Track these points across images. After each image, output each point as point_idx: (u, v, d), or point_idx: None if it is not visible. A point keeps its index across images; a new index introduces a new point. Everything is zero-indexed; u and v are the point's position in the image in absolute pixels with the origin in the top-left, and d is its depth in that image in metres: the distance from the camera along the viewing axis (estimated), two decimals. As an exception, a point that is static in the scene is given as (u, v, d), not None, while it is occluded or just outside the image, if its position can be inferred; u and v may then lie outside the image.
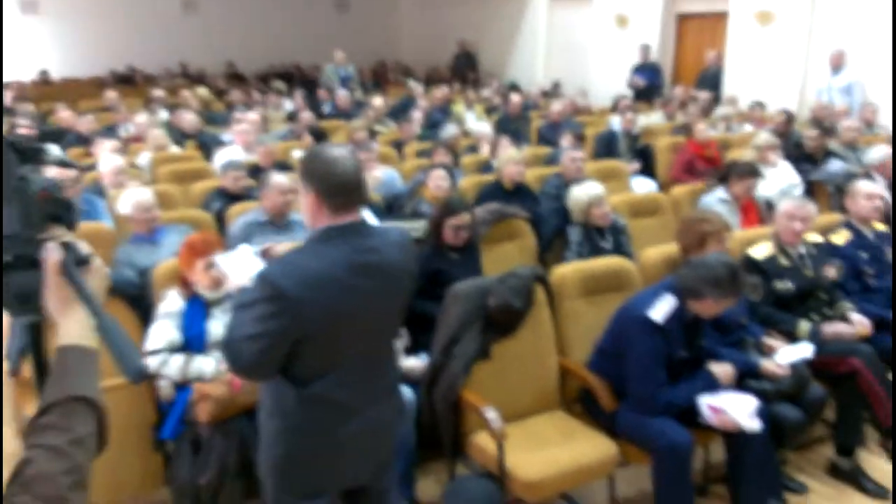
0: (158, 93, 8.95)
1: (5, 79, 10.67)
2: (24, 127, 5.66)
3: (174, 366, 2.81)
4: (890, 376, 3.22)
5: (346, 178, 1.79)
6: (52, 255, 1.03)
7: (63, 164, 1.16)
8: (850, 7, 8.11)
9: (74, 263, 1.05)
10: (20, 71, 11.43)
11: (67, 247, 1.05)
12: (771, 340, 3.14)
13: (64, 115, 6.95)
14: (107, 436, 1.01)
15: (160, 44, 13.23)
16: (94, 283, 1.09)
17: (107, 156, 4.43)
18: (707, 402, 2.70)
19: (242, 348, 1.80)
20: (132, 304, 3.11)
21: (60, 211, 1.05)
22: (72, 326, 1.03)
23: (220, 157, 5.35)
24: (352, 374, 1.89)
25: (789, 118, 6.80)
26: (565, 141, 5.80)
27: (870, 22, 7.90)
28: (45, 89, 11.12)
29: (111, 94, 8.47)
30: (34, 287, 1.03)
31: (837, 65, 8.00)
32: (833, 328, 3.25)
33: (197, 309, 2.92)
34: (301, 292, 1.74)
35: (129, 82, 11.89)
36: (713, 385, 2.76)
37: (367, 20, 15.31)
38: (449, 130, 6.43)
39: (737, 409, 2.66)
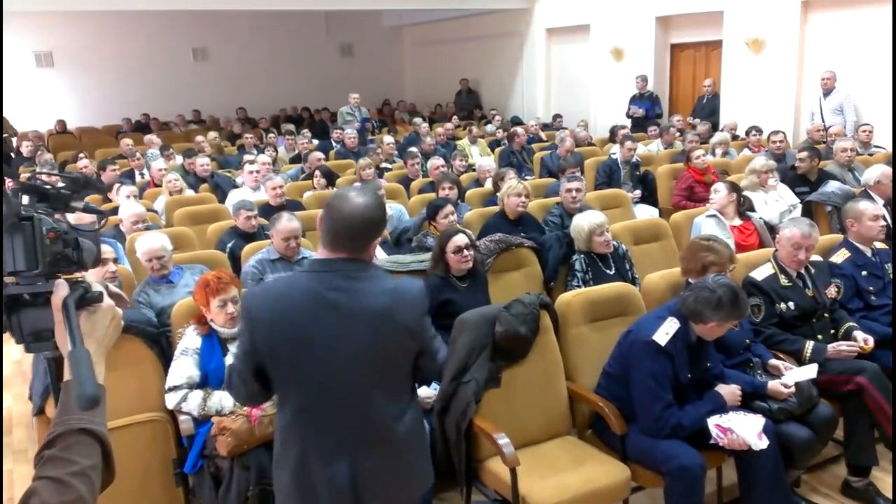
0: (152, 138, 9.22)
1: (24, 129, 10.97)
2: (45, 174, 5.87)
3: (194, 401, 2.90)
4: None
5: (341, 222, 1.86)
6: (57, 291, 1.07)
7: (88, 210, 1.22)
8: (841, 29, 8.27)
9: (80, 300, 1.08)
10: (38, 121, 11.75)
11: (74, 284, 1.09)
12: (776, 361, 3.17)
13: (83, 163, 7.18)
14: (113, 467, 1.04)
15: (173, 91, 13.62)
16: (103, 321, 1.11)
17: (125, 202, 4.59)
18: (715, 423, 2.72)
19: (231, 372, 1.99)
20: (151, 342, 3.21)
21: (70, 251, 1.08)
22: None
23: (233, 199, 5.51)
24: (333, 416, 1.89)
25: (784, 141, 6.92)
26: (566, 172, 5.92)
27: (861, 42, 8.05)
28: (63, 138, 11.41)
29: (127, 142, 8.72)
30: (46, 323, 1.07)
31: (829, 87, 8.13)
32: (837, 347, 3.28)
33: (214, 345, 3.01)
34: (260, 310, 1.88)
35: (144, 129, 12.19)
36: (721, 406, 2.80)
37: (371, 63, 15.68)
38: (431, 162, 6.71)
39: (745, 428, 2.67)
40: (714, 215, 4.57)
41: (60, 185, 1.18)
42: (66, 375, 1.06)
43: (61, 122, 12.08)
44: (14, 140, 9.44)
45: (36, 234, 1.04)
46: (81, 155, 7.71)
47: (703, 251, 3.26)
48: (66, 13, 11.56)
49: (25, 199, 1.12)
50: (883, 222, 3.76)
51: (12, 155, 9.35)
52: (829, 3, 8.28)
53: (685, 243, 3.80)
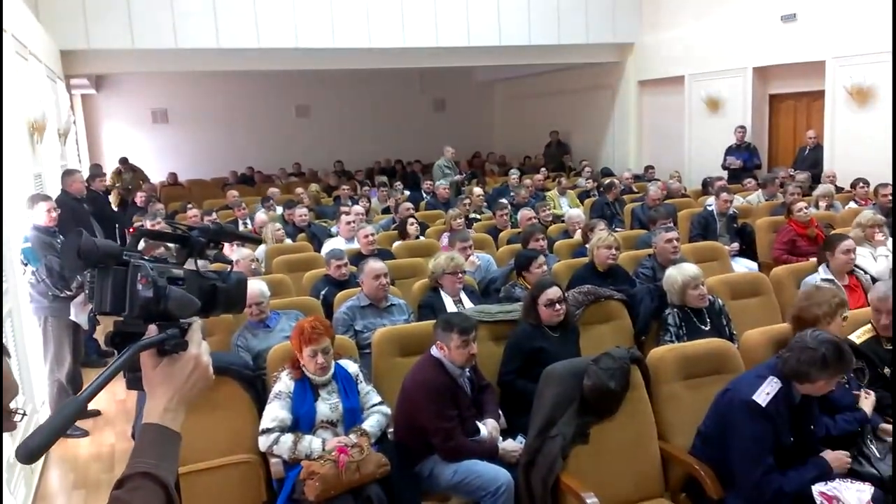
0: (274, 190, 9.70)
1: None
2: (155, 223, 6.31)
3: (284, 445, 2.98)
4: None
5: None
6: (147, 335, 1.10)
7: (218, 259, 1.26)
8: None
9: (160, 348, 1.10)
10: (152, 174, 12.65)
11: (163, 330, 1.10)
12: (887, 426, 2.97)
13: (192, 213, 7.67)
14: None
15: (276, 146, 14.41)
16: (182, 370, 1.12)
17: (235, 248, 4.89)
18: (820, 491, 2.57)
19: None
20: (247, 385, 3.33)
21: (153, 301, 1.08)
22: (154, 405, 1.10)
23: (328, 248, 5.70)
24: None
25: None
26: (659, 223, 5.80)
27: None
28: (174, 190, 12.20)
29: (233, 193, 9.23)
30: (136, 365, 1.11)
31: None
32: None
33: (306, 390, 3.10)
34: None
35: (248, 182, 12.87)
36: (826, 472, 2.64)
37: (462, 116, 16.06)
38: (521, 213, 6.77)
39: (852, 497, 2.52)
40: (828, 279, 4.29)
41: (194, 232, 1.22)
42: (144, 417, 1.10)
43: (173, 175, 12.94)
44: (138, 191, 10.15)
45: (129, 279, 1.07)
46: (189, 205, 8.22)
47: (813, 306, 3.14)
48: (180, 73, 12.50)
49: (141, 245, 1.18)
50: None
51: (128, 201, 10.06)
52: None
53: (787, 299, 3.63)
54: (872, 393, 3.02)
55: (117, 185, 11.55)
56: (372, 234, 5.61)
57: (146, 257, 1.12)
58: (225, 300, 1.21)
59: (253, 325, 3.92)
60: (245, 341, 3.85)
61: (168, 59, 9.84)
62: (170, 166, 13.32)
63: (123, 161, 12.14)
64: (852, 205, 7.21)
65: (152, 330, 1.10)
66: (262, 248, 5.91)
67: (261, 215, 7.58)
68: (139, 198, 9.18)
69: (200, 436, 3.05)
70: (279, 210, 8.22)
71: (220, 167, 13.54)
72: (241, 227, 7.62)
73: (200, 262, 1.21)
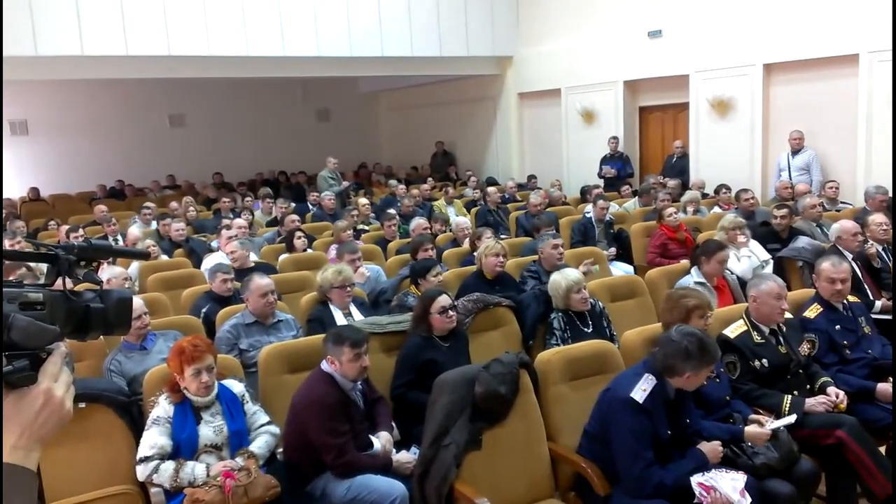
0: (147, 205, 9.19)
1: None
2: (15, 242, 5.81)
3: (165, 473, 2.82)
4: (880, 448, 3.25)
5: None
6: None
7: (87, 278, 1.17)
8: (803, 91, 8.60)
9: (8, 380, 1.01)
10: (11, 190, 11.68)
11: (9, 361, 1.01)
12: (757, 416, 3.15)
13: (62, 229, 7.14)
14: None
15: (149, 158, 13.64)
16: (31, 406, 1.03)
17: (106, 266, 4.57)
18: (698, 481, 2.70)
19: None
20: (122, 412, 3.12)
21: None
22: (4, 442, 1.02)
23: (208, 263, 5.47)
24: None
25: (754, 199, 7.10)
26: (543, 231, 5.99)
27: (823, 103, 8.37)
28: (36, 206, 11.32)
29: (101, 208, 8.67)
30: None
31: (797, 146, 8.40)
32: (812, 402, 3.28)
33: (187, 414, 2.94)
34: None
35: (118, 196, 12.15)
36: (703, 463, 2.78)
37: (347, 126, 15.92)
38: (416, 221, 6.77)
39: (727, 485, 2.67)
40: (700, 282, 4.56)
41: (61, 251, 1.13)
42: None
43: (34, 190, 12.02)
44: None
45: None
46: (53, 222, 7.65)
47: (682, 298, 3.31)
48: (41, 81, 11.63)
49: None
50: (840, 286, 3.76)
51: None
52: (791, 67, 8.63)
53: (661, 299, 3.83)
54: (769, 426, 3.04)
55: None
56: (234, 251, 5.37)
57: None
58: (102, 322, 1.11)
59: (128, 347, 3.68)
60: (119, 365, 3.60)
61: (26, 68, 9.06)
62: (31, 181, 12.35)
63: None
64: (716, 209, 7.75)
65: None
66: (134, 266, 5.57)
67: (135, 230, 7.16)
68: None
69: (72, 468, 2.84)
70: (154, 225, 7.81)
71: (86, 181, 12.68)
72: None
73: (83, 281, 1.11)
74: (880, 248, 4.92)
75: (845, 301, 3.81)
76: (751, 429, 2.98)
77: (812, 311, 3.76)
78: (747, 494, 2.66)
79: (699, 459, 2.79)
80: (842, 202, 7.50)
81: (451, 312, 3.61)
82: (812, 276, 3.96)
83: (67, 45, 8.77)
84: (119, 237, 7.43)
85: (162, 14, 9.32)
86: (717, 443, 2.87)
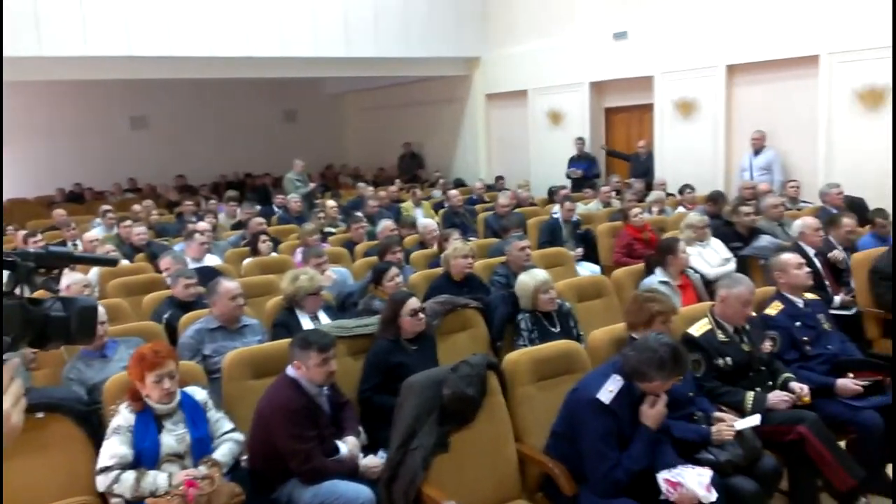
0: (107, 208, 8.97)
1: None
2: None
3: (126, 483, 2.75)
4: (840, 442, 3.32)
5: None
6: None
7: (45, 287, 1.14)
8: (765, 92, 8.76)
9: None
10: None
11: None
12: (720, 414, 3.19)
13: (12, 235, 6.94)
14: None
15: (110, 160, 13.39)
16: None
17: (66, 273, 4.44)
18: (664, 477, 2.73)
19: None
20: (81, 421, 3.04)
21: None
22: None
23: (165, 262, 5.34)
24: None
25: (720, 198, 7.20)
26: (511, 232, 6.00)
27: (785, 103, 8.53)
28: (-10, 210, 11.03)
29: (60, 212, 8.47)
30: None
31: (758, 146, 8.56)
32: (774, 398, 3.34)
33: (148, 422, 2.88)
34: None
35: (77, 199, 11.88)
36: (669, 460, 2.80)
37: (314, 128, 15.81)
38: (383, 224, 6.72)
39: (693, 480, 2.69)
40: (665, 281, 4.62)
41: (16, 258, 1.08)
42: None
43: (-11, 193, 11.70)
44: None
45: None
46: (10, 228, 7.44)
47: (648, 302, 3.33)
48: (-2, 83, 11.34)
49: None
50: (808, 269, 3.88)
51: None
52: (753, 68, 8.78)
53: (627, 299, 3.86)
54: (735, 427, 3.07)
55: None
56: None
57: None
58: (63, 331, 1.09)
59: (88, 355, 3.58)
60: (78, 373, 3.51)
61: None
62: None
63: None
64: (681, 209, 7.85)
65: None
66: (94, 272, 5.44)
67: (94, 232, 6.98)
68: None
69: (31, 479, 2.77)
70: (114, 230, 7.63)
71: (44, 184, 12.39)
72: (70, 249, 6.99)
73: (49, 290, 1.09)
74: (846, 255, 5.01)
75: (805, 298, 3.89)
76: (717, 429, 3.01)
77: (773, 309, 3.82)
78: (713, 489, 2.68)
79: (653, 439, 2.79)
80: (802, 201, 7.65)
81: (420, 314, 3.60)
82: (772, 274, 4.03)
83: (25, 46, 8.55)
84: (78, 242, 7.26)
85: (123, 13, 9.14)
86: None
